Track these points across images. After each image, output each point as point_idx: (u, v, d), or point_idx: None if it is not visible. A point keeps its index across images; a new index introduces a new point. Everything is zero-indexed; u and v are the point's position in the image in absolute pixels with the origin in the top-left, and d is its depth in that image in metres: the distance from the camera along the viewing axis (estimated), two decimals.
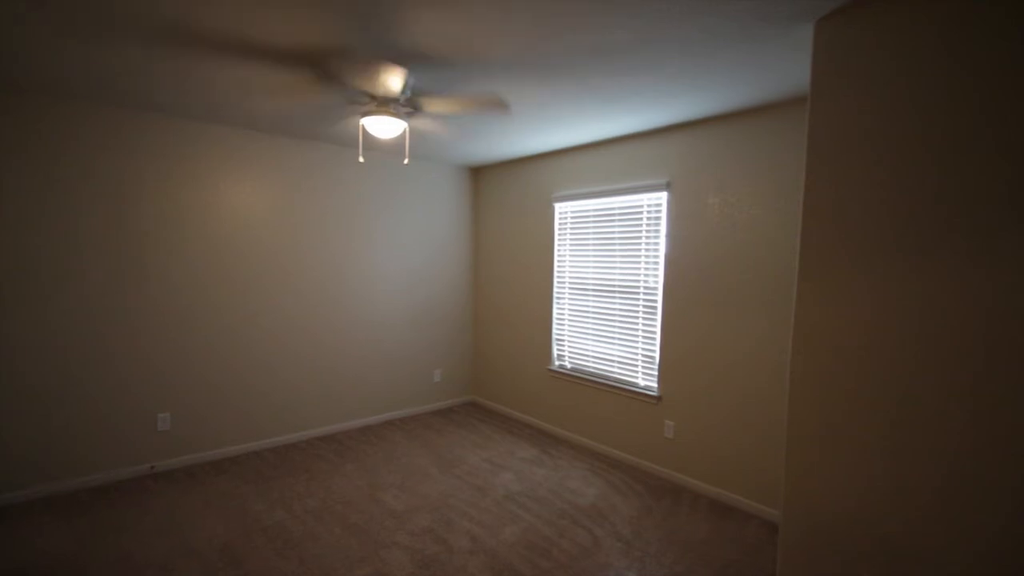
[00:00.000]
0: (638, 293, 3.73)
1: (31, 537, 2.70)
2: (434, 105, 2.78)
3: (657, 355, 3.61)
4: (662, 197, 3.56)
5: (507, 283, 4.93)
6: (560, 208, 4.36)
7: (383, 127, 2.69)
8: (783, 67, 2.38)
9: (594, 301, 4.08)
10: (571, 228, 4.27)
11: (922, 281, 1.68)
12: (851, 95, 1.83)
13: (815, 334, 1.95)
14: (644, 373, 3.73)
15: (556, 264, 4.41)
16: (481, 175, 5.19)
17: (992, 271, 1.55)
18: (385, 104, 2.68)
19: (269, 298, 3.95)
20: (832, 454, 1.92)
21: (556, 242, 4.40)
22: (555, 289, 4.42)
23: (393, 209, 4.63)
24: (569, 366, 4.33)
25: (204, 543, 2.68)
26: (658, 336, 3.60)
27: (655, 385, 3.63)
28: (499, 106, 2.77)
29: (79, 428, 3.23)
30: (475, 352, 5.37)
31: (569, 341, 4.32)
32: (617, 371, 3.91)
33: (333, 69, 2.49)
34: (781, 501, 2.08)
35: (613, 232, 3.90)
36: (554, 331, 4.44)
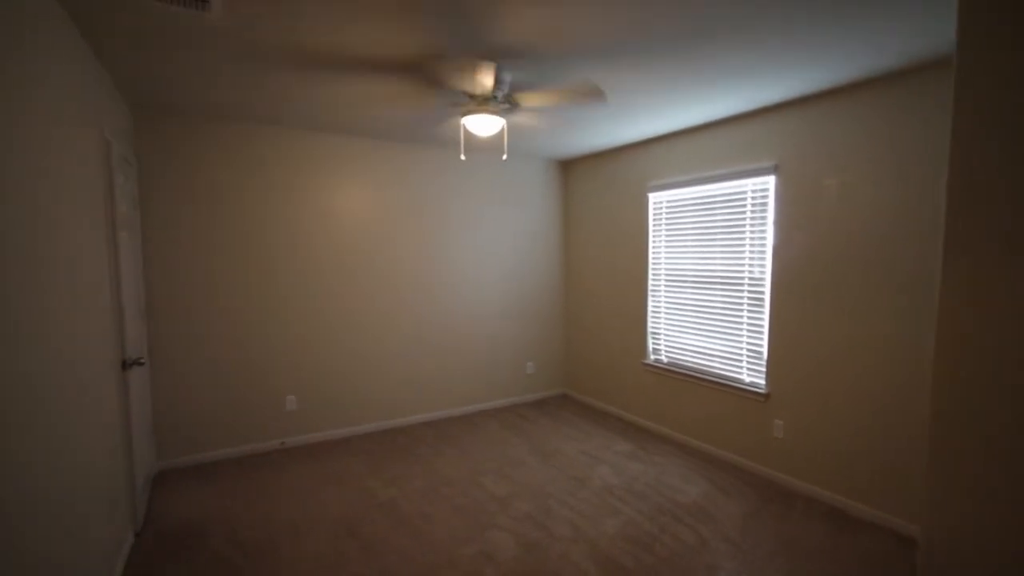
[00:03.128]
0: (742, 284, 3.53)
1: (188, 498, 3.14)
2: (530, 99, 2.82)
3: (764, 350, 3.40)
4: (769, 181, 3.33)
5: (599, 276, 4.89)
6: (655, 198, 4.23)
7: (482, 125, 2.79)
8: (915, 27, 2.14)
9: (692, 293, 3.92)
10: (667, 218, 4.13)
11: None
12: (1008, 53, 1.60)
13: (966, 330, 1.74)
14: (749, 369, 3.53)
15: (651, 255, 4.30)
16: (571, 168, 5.18)
17: None
18: (484, 103, 2.77)
19: (378, 293, 4.25)
20: (993, 472, 1.70)
21: (650, 233, 4.29)
22: (650, 281, 4.31)
23: (487, 205, 4.76)
24: (665, 360, 4.20)
25: (327, 512, 2.95)
26: (765, 330, 3.39)
27: (762, 382, 3.43)
28: (596, 95, 2.75)
29: (223, 407, 3.69)
30: (566, 345, 5.39)
31: (665, 334, 4.20)
32: (718, 366, 3.74)
33: (434, 73, 2.62)
34: (922, 521, 1.88)
35: (713, 221, 3.72)
36: (649, 324, 4.34)
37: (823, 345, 3.07)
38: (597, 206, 4.87)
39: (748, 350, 3.53)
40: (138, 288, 3.15)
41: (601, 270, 4.85)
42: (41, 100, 1.71)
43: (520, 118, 3.26)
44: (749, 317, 3.50)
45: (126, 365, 2.62)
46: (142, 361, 2.81)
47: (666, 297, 4.17)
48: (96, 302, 2.25)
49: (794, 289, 3.21)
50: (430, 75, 2.65)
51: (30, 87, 1.61)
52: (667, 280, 4.15)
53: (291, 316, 3.89)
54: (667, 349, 4.19)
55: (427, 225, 4.46)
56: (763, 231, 3.39)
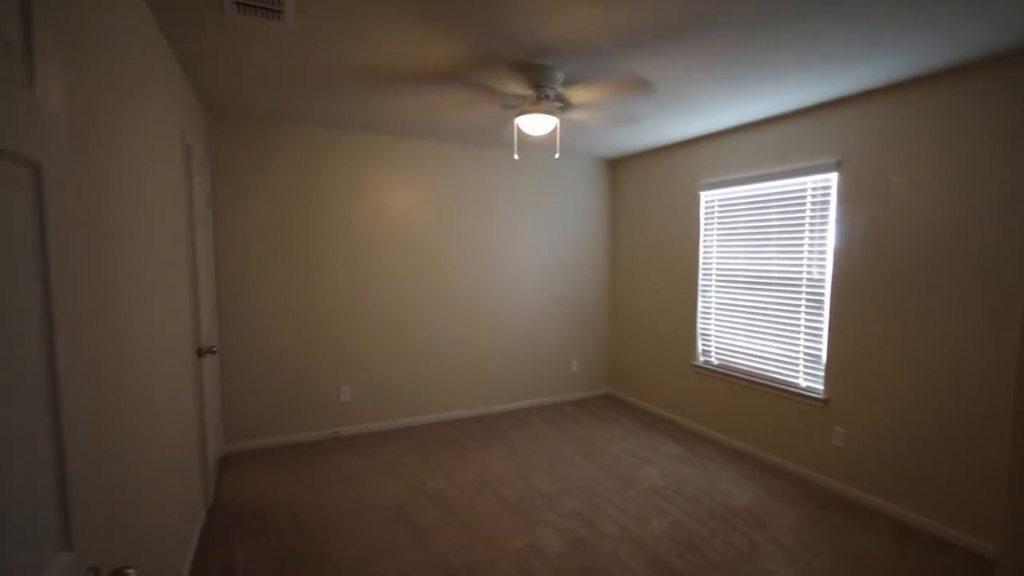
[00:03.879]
0: (799, 286, 3.41)
1: (253, 480, 3.33)
2: (580, 95, 2.84)
3: (823, 354, 3.27)
4: (831, 179, 3.21)
5: (646, 275, 4.83)
6: (706, 196, 4.15)
7: (536, 124, 2.81)
8: (997, 17, 2.01)
9: (745, 294, 3.82)
10: (718, 217, 4.04)
11: None
12: None
13: None
14: (806, 373, 3.41)
15: (701, 255, 4.21)
16: (619, 167, 5.14)
17: None
18: (536, 102, 2.80)
19: (430, 290, 4.36)
20: None
21: (701, 233, 4.20)
22: (700, 281, 4.23)
23: (534, 204, 4.80)
24: (716, 362, 4.11)
25: (381, 499, 3.07)
26: (824, 333, 3.26)
27: (820, 387, 3.30)
28: (644, 85, 2.75)
29: (283, 396, 3.89)
30: (612, 345, 5.35)
31: (716, 336, 4.11)
32: (772, 369, 3.62)
33: (487, 77, 2.67)
34: (999, 542, 1.78)
35: (768, 220, 3.61)
36: (699, 325, 4.25)
37: (888, 350, 2.93)
38: (645, 205, 4.81)
39: (805, 354, 3.40)
40: (210, 282, 3.36)
41: (648, 269, 4.79)
42: (144, 106, 1.87)
43: (574, 116, 3.28)
44: (807, 320, 3.38)
45: (200, 353, 2.82)
46: (214, 349, 3.01)
47: (717, 298, 4.08)
48: (181, 293, 2.43)
49: (857, 291, 3.07)
50: (483, 79, 2.71)
51: (136, 95, 1.76)
52: (718, 280, 4.06)
53: (347, 311, 4.06)
54: (717, 351, 4.10)
55: (477, 224, 4.53)
56: (823, 230, 3.26)
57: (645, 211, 4.82)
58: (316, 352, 3.97)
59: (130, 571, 0.87)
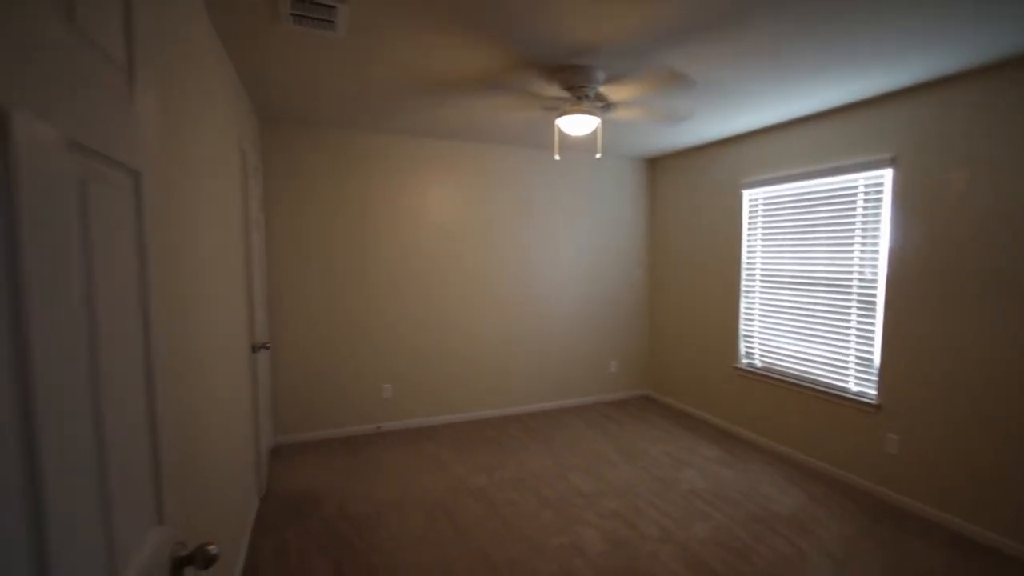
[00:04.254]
0: (850, 287, 3.30)
1: (302, 471, 3.47)
2: (620, 92, 2.83)
3: (876, 358, 3.15)
4: (884, 175, 3.09)
5: (686, 275, 4.76)
6: (750, 195, 4.05)
7: (577, 125, 2.82)
8: None
9: (791, 295, 3.72)
10: (763, 216, 3.94)
11: None
12: None
13: None
14: (857, 377, 3.29)
15: (744, 255, 4.12)
16: (658, 165, 5.08)
17: None
18: (577, 102, 2.81)
19: (467, 290, 4.43)
20: None
21: (745, 232, 4.11)
22: (743, 282, 4.14)
23: (572, 204, 4.80)
24: (759, 365, 4.02)
25: (423, 494, 3.14)
26: (877, 336, 3.14)
27: (873, 392, 3.18)
28: (683, 79, 2.71)
29: (328, 391, 4.03)
30: (650, 345, 5.29)
31: (760, 338, 4.01)
32: (821, 373, 3.51)
33: (526, 81, 2.70)
34: None
35: (816, 218, 3.50)
36: (741, 326, 4.16)
37: (947, 354, 2.80)
38: (685, 204, 4.74)
39: (856, 357, 3.28)
40: (262, 281, 3.52)
41: (689, 269, 4.72)
42: (209, 114, 1.98)
43: (616, 116, 3.27)
44: (858, 322, 3.26)
45: (255, 348, 2.96)
46: (268, 345, 3.15)
47: (761, 299, 3.98)
48: (238, 291, 2.57)
49: (913, 293, 2.95)
50: (523, 83, 2.74)
51: (204, 104, 1.88)
52: (762, 281, 3.96)
53: (389, 310, 4.17)
54: (761, 353, 4.00)
55: (514, 224, 4.57)
56: (876, 229, 3.14)
57: (685, 210, 4.75)
58: (359, 349, 4.10)
59: (212, 547, 0.94)
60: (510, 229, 4.56)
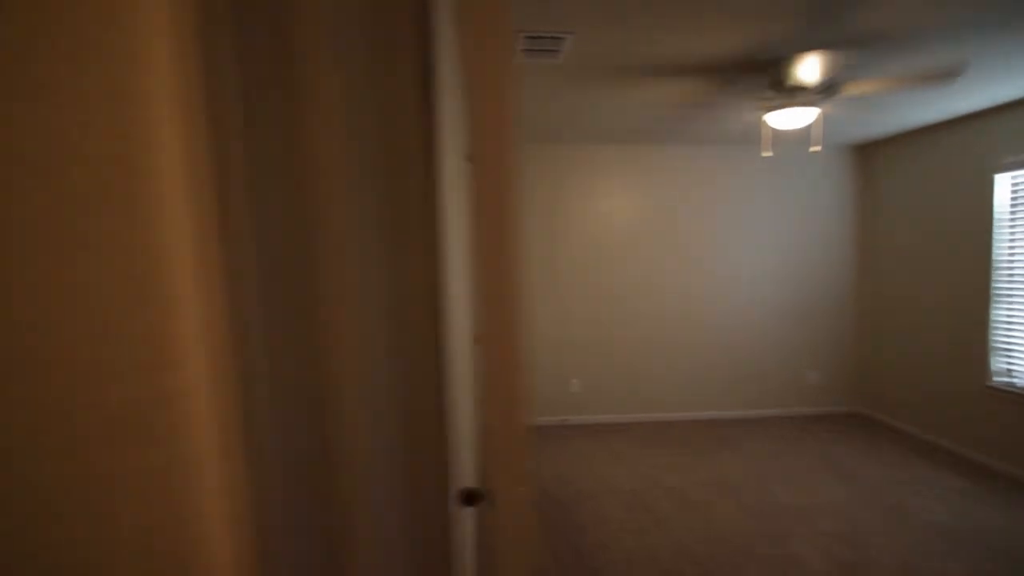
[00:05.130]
0: None
1: None
2: (858, 88, 2.59)
3: None
4: None
5: (910, 277, 4.12)
6: (1006, 179, 3.36)
7: (791, 119, 2.68)
8: None
9: None
10: None
11: None
12: None
13: None
14: None
15: (995, 252, 3.43)
16: (869, 152, 4.48)
17: None
18: (795, 94, 2.66)
19: (651, 292, 4.47)
20: None
21: (995, 224, 3.42)
22: (994, 284, 3.45)
23: (766, 202, 4.51)
24: (1021, 384, 3.31)
25: (617, 485, 3.28)
26: None
27: None
28: (947, 75, 2.35)
29: None
30: (860, 356, 4.69)
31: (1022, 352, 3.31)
32: None
33: (743, 72, 2.65)
34: None
35: None
36: (993, 337, 3.47)
37: None
38: (907, 194, 4.11)
39: None
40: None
41: (914, 270, 4.08)
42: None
43: (830, 108, 3.02)
44: None
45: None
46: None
47: None
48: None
49: None
50: (737, 73, 2.69)
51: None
52: None
53: (579, 310, 4.41)
54: None
55: (703, 224, 4.47)
56: None
57: (906, 203, 4.12)
58: (552, 345, 4.41)
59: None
60: (699, 228, 4.47)
